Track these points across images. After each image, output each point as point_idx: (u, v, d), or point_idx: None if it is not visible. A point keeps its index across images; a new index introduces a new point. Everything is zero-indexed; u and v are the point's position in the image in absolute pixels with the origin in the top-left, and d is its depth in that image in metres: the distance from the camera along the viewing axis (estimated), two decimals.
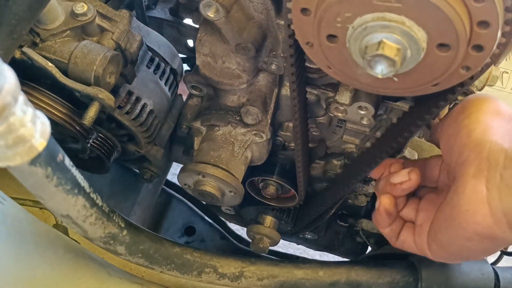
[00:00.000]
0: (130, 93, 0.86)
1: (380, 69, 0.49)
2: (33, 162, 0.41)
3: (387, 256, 0.98)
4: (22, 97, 0.38)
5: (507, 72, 0.93)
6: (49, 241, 0.60)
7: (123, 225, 0.58)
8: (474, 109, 0.59)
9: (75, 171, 0.47)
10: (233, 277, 0.71)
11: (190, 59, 1.30)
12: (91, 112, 0.69)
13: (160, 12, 1.22)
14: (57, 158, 0.43)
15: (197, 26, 1.19)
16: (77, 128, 0.74)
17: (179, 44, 1.23)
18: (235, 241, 1.40)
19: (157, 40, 0.98)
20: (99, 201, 0.53)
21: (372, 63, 0.49)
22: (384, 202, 0.67)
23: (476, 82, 0.67)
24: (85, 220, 0.52)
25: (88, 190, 0.50)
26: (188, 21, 1.22)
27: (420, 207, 0.67)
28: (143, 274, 0.81)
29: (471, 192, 0.54)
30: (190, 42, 1.25)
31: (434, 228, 0.62)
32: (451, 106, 0.94)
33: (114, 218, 0.57)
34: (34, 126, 0.39)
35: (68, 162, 0.46)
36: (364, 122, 0.74)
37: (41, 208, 0.81)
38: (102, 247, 0.58)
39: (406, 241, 0.67)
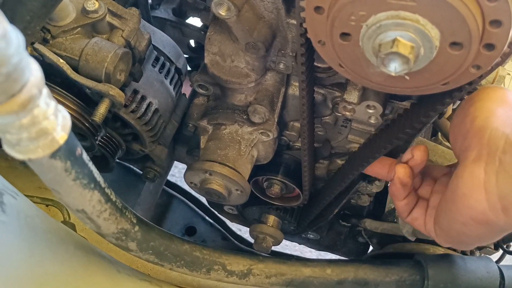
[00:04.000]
0: (135, 92, 0.86)
1: (394, 67, 0.50)
2: (53, 155, 0.41)
3: (390, 256, 0.99)
4: (45, 90, 0.38)
5: (509, 74, 0.94)
6: (60, 238, 0.60)
7: (135, 221, 0.58)
8: (480, 97, 0.60)
9: (91, 166, 0.48)
10: (241, 274, 0.71)
11: (192, 59, 1.30)
12: (102, 109, 0.69)
13: (163, 12, 1.22)
14: (76, 152, 0.44)
15: (199, 26, 1.20)
16: (87, 125, 0.75)
17: (181, 44, 1.23)
18: (236, 241, 1.40)
19: (162, 40, 0.99)
20: (113, 197, 0.53)
21: (386, 61, 0.50)
22: (398, 172, 0.67)
23: (483, 82, 0.67)
24: (99, 215, 0.52)
25: (103, 185, 0.50)
26: (191, 21, 1.22)
27: (434, 189, 0.68)
28: (149, 272, 0.81)
29: (469, 176, 0.55)
30: (193, 43, 1.26)
31: (437, 211, 0.63)
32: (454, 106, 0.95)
33: (127, 214, 0.57)
34: (56, 119, 0.40)
35: (85, 156, 0.46)
36: (372, 121, 0.74)
37: (47, 205, 0.81)
38: (114, 243, 0.58)
39: (418, 219, 0.68)
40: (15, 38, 0.33)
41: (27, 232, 0.54)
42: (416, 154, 0.67)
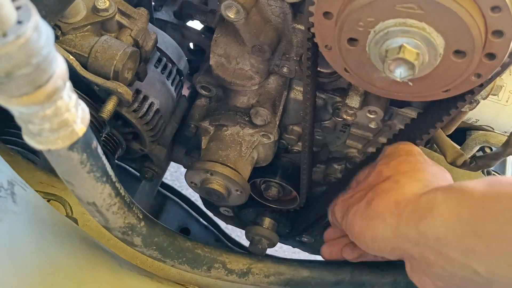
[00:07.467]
0: (138, 91, 0.87)
1: (399, 73, 0.52)
2: (72, 147, 0.42)
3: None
4: (69, 83, 0.39)
5: (503, 85, 0.96)
6: (66, 231, 0.61)
7: (141, 217, 0.59)
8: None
9: (104, 159, 0.49)
10: (241, 273, 0.72)
11: (191, 62, 1.31)
12: (109, 106, 0.70)
13: (164, 14, 1.24)
14: (92, 145, 0.45)
15: (200, 29, 1.21)
16: (93, 121, 0.75)
17: (181, 47, 1.24)
18: (229, 243, 1.40)
19: (164, 41, 1.00)
20: (122, 191, 0.54)
21: (392, 67, 0.52)
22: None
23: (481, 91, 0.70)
24: (109, 209, 0.53)
25: (114, 179, 0.51)
26: (191, 24, 1.24)
27: None
28: (148, 269, 0.81)
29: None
30: (192, 45, 1.27)
31: None
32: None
33: (134, 209, 0.58)
34: (77, 112, 0.41)
35: (100, 150, 0.47)
36: (372, 126, 0.76)
37: (49, 200, 0.81)
38: (120, 237, 0.59)
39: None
40: (45, 30, 0.34)
41: (35, 224, 0.55)
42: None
